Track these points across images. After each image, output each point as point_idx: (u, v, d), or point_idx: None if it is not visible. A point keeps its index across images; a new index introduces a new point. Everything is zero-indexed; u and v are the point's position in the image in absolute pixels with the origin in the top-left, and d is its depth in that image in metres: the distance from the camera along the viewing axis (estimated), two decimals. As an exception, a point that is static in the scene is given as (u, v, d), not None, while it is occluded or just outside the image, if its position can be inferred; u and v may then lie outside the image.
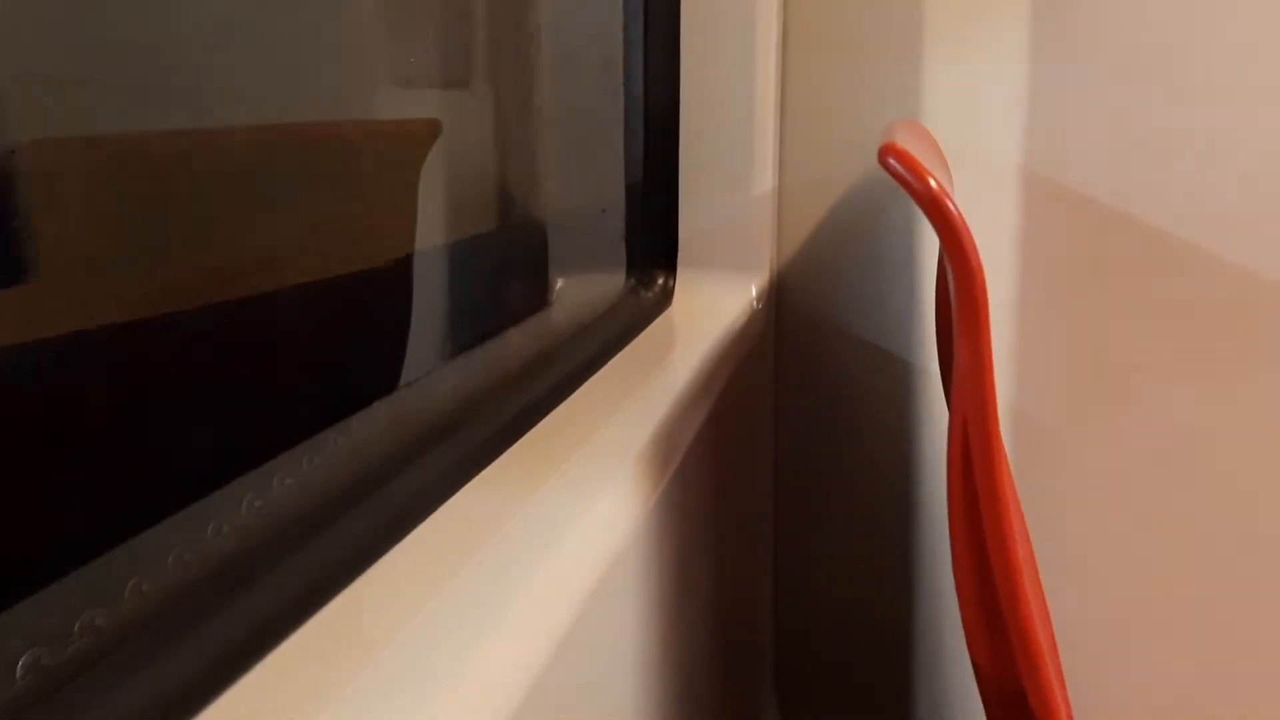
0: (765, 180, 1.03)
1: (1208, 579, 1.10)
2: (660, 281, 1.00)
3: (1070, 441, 1.10)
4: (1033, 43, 1.04)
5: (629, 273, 1.01)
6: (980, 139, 1.05)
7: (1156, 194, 1.05)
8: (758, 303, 1.02)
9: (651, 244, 1.01)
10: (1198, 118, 1.03)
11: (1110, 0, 1.03)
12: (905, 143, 0.59)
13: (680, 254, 1.02)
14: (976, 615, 0.58)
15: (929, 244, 1.07)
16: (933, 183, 0.52)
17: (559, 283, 0.99)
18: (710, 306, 0.98)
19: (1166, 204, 1.05)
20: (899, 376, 1.09)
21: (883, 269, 1.07)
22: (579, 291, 0.96)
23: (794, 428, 1.12)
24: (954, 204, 0.52)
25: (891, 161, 0.53)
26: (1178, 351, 1.07)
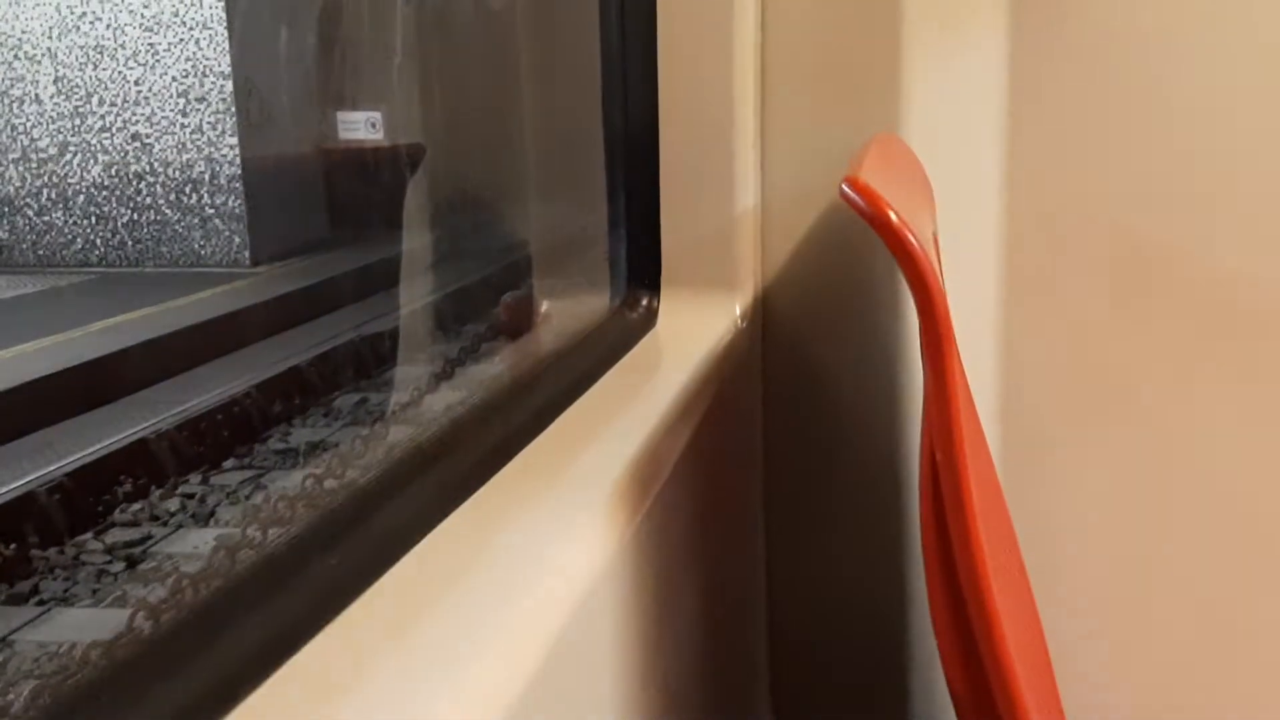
0: (747, 198, 1.03)
1: (1202, 583, 1.10)
2: (645, 302, 1.01)
3: (1060, 447, 1.10)
4: (1013, 52, 1.04)
5: (613, 294, 1.01)
6: (962, 149, 1.06)
7: (1142, 199, 1.05)
8: (743, 321, 1.03)
9: (635, 265, 1.01)
10: (1183, 123, 1.03)
11: (1091, 9, 1.03)
12: (872, 167, 0.60)
13: (664, 274, 1.02)
14: (952, 645, 0.58)
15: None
16: (892, 215, 0.52)
17: (544, 305, 1.00)
18: (695, 326, 0.99)
19: (1152, 210, 1.05)
20: (887, 391, 1.09)
21: (868, 284, 1.07)
22: (564, 314, 0.97)
23: (782, 446, 1.12)
24: (914, 235, 0.53)
25: (852, 194, 0.53)
26: (1167, 356, 1.07)
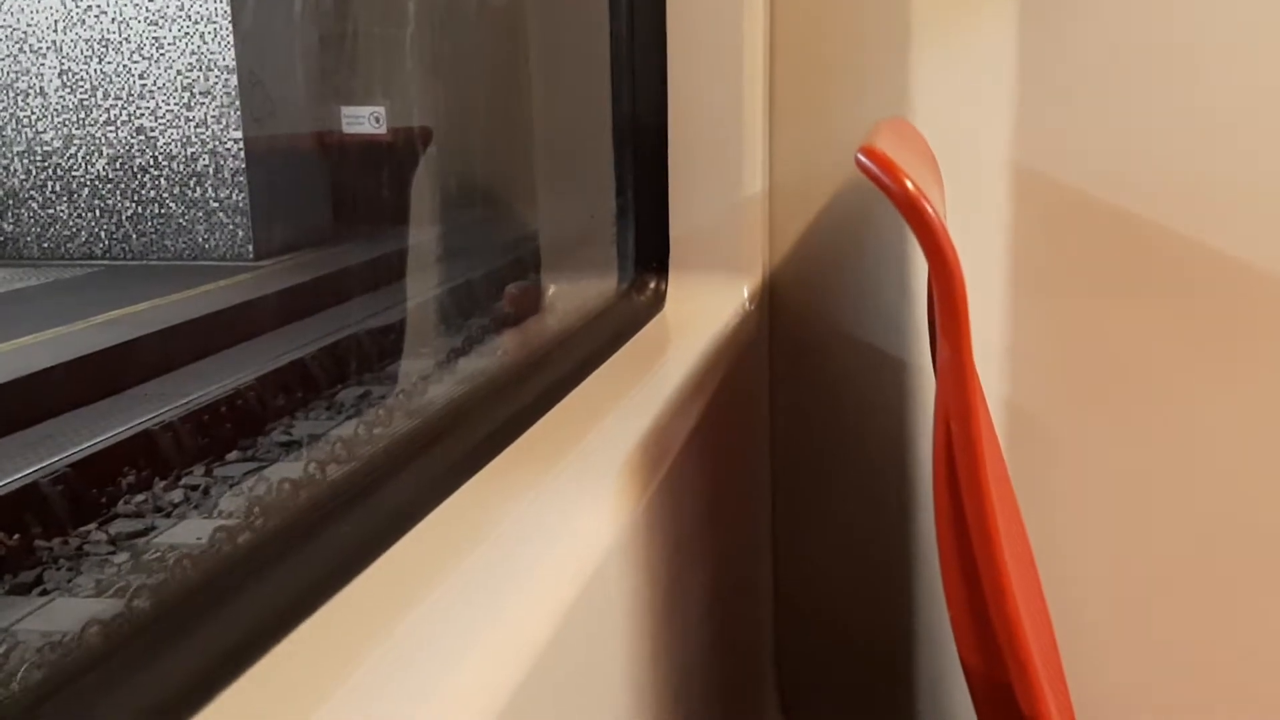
0: (755, 181, 1.03)
1: (1207, 572, 1.10)
2: (652, 285, 1.01)
3: (1066, 436, 1.10)
4: (1021, 39, 1.04)
5: (621, 277, 1.01)
6: (970, 135, 1.05)
7: (1149, 188, 1.05)
8: (750, 304, 1.03)
9: (643, 248, 1.01)
10: (1190, 111, 1.03)
11: None
12: (886, 143, 0.59)
13: (672, 257, 1.02)
14: (965, 615, 0.58)
15: (921, 241, 1.07)
16: (909, 184, 0.52)
17: (551, 288, 1.00)
18: (703, 309, 0.99)
19: (1159, 198, 1.05)
20: (894, 373, 1.09)
21: (875, 267, 1.07)
22: (571, 296, 0.97)
23: (790, 428, 1.12)
24: (930, 204, 0.52)
25: (868, 163, 0.53)
26: (1173, 345, 1.06)
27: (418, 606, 0.49)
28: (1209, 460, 1.08)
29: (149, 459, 3.09)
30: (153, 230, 5.66)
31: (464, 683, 0.46)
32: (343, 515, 0.58)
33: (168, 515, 2.87)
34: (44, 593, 2.46)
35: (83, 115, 5.63)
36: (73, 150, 5.65)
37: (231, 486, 2.94)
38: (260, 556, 0.53)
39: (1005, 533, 0.58)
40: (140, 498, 2.96)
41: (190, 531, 2.69)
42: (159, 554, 2.58)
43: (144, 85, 5.58)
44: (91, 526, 2.81)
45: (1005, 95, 1.04)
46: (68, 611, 2.30)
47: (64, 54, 5.61)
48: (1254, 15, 1.01)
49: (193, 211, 5.59)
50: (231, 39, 5.42)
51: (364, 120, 4.53)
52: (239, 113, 5.44)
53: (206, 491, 2.97)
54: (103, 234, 5.69)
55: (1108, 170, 1.05)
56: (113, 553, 2.67)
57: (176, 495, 2.96)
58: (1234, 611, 1.10)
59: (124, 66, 5.59)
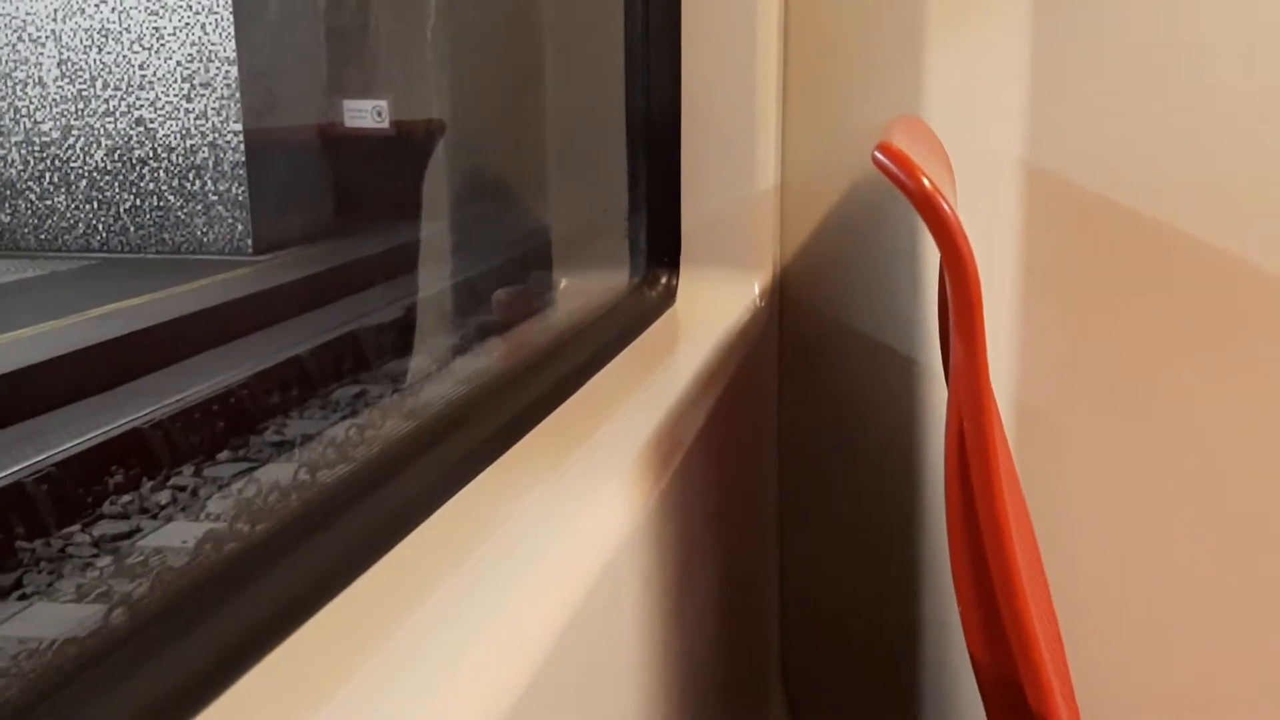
0: (767, 177, 1.03)
1: (1213, 570, 1.10)
2: (663, 280, 1.01)
3: (1075, 435, 1.10)
4: (1034, 38, 1.04)
5: (632, 271, 1.01)
6: (983, 134, 1.06)
7: (1160, 187, 1.05)
8: (761, 300, 1.03)
9: (654, 242, 1.01)
10: (1203, 110, 1.03)
11: None
12: (902, 140, 0.59)
13: (683, 252, 1.02)
14: (975, 612, 0.58)
15: (932, 240, 1.07)
16: (926, 181, 0.52)
17: (562, 282, 1.01)
18: (713, 304, 0.99)
19: (1171, 196, 1.05)
20: (903, 373, 1.09)
21: (886, 265, 1.07)
22: (582, 290, 0.97)
23: (798, 425, 1.12)
24: (948, 202, 0.52)
25: (885, 160, 0.53)
26: (1181, 344, 1.07)
27: (425, 603, 0.49)
28: (1217, 459, 1.08)
29: (139, 457, 3.06)
30: (151, 223, 5.64)
31: (471, 680, 0.46)
32: (349, 511, 0.58)
33: (153, 517, 2.85)
34: (22, 597, 2.43)
35: (81, 106, 5.61)
36: (71, 141, 5.62)
37: (232, 482, 2.93)
38: (264, 553, 0.53)
39: (1015, 531, 0.58)
40: (127, 498, 2.93)
41: (189, 529, 2.67)
42: (157, 549, 2.56)
43: (144, 76, 5.55)
44: (85, 522, 2.78)
45: (1017, 93, 1.05)
46: (56, 613, 2.27)
47: (63, 43, 5.59)
48: (1266, 14, 1.01)
49: (191, 205, 5.57)
50: (233, 30, 5.40)
51: (366, 114, 4.52)
52: (239, 105, 5.42)
53: (206, 486, 2.95)
54: (100, 226, 5.67)
55: (1119, 169, 1.05)
56: (96, 555, 2.64)
57: (164, 496, 2.94)
58: (1240, 610, 1.11)
59: (123, 57, 5.56)
